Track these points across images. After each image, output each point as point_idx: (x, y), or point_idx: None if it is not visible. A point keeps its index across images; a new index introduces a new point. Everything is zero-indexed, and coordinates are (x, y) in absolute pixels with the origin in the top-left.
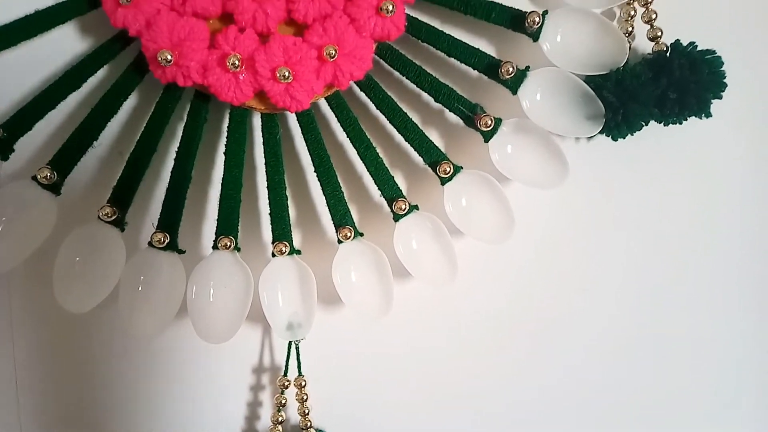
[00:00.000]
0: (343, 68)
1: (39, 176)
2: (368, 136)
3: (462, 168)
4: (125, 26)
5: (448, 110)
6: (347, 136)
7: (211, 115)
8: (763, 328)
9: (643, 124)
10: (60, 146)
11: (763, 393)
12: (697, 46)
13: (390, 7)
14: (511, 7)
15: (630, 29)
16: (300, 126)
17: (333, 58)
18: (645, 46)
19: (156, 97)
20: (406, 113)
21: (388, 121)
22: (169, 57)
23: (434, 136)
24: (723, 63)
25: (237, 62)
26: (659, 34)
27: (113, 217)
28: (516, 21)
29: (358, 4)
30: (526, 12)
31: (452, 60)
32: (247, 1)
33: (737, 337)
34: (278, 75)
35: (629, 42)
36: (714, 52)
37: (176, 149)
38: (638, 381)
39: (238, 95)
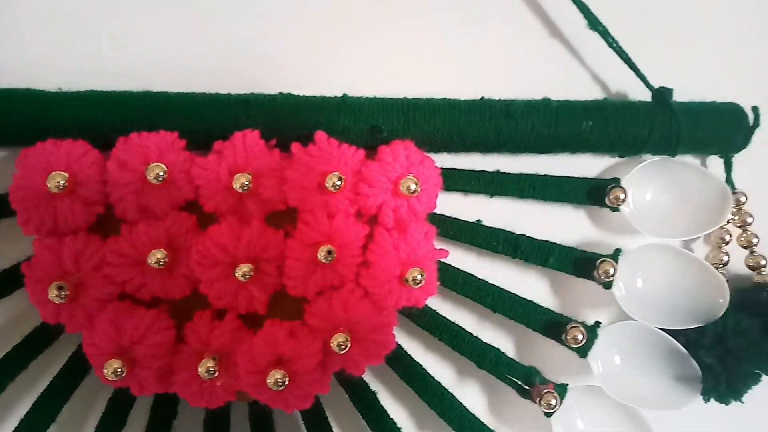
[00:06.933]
0: (357, 358)
1: None
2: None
3: None
4: (59, 322)
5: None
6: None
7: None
8: None
9: (754, 385)
10: None
11: None
12: None
13: (419, 277)
14: (574, 248)
15: (724, 258)
16: (301, 417)
17: (344, 350)
18: (739, 267)
19: (104, 396)
20: None
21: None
22: (120, 369)
23: (471, 396)
24: None
25: (213, 369)
26: (762, 262)
27: None
28: (581, 267)
29: (376, 273)
30: (595, 257)
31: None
32: (223, 283)
33: None
34: (269, 381)
35: (725, 275)
36: None
37: None
38: None
39: (214, 401)
